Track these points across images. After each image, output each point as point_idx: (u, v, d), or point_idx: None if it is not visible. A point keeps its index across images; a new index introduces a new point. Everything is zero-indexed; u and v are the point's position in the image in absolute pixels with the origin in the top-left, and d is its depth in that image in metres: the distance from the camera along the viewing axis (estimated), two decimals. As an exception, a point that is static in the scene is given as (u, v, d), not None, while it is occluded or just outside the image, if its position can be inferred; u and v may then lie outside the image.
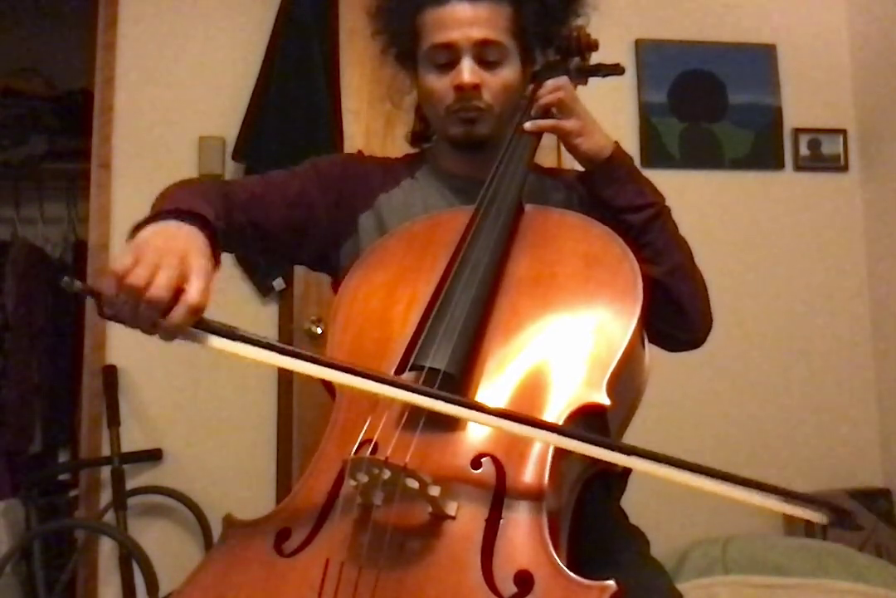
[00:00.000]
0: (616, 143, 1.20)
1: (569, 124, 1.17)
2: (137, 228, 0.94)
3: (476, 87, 1.16)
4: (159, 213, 0.94)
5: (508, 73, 1.19)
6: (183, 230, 0.92)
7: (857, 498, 2.44)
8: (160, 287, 0.82)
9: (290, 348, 0.86)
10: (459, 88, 1.16)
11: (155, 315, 0.83)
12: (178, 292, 0.83)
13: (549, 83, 1.19)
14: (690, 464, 0.82)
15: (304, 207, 1.20)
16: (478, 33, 1.16)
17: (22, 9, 3.18)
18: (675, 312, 1.15)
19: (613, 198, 1.17)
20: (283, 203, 1.18)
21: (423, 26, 1.19)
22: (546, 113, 1.19)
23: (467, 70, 1.16)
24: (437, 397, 0.85)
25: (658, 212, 1.17)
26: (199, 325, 0.85)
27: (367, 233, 1.22)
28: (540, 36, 1.23)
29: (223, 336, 0.86)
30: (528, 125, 1.18)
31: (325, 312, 2.36)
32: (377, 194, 1.25)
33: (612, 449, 0.84)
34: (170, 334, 0.85)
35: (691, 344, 1.21)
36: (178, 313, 0.83)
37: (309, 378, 0.87)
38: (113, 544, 2.29)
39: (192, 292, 0.83)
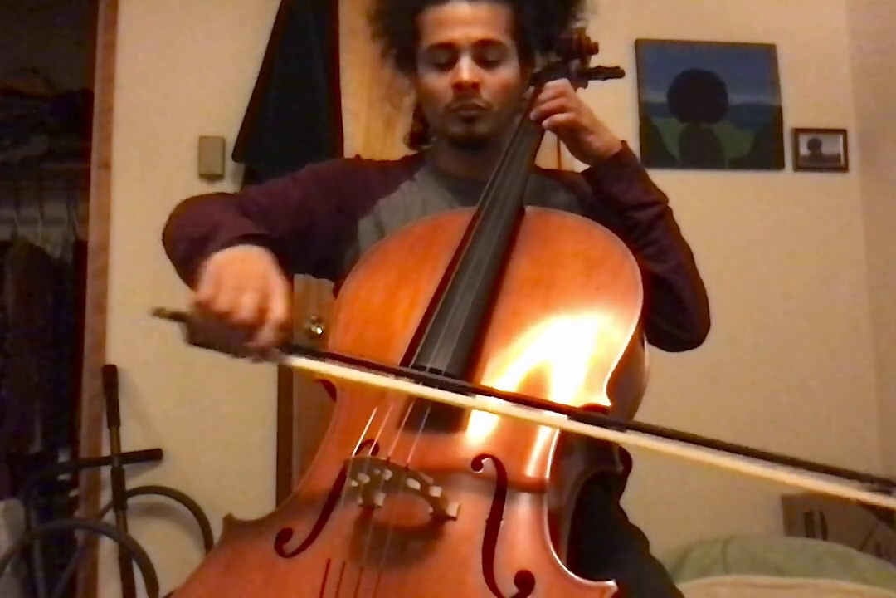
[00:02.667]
0: (623, 141, 1.21)
1: (584, 120, 1.17)
2: (189, 256, 0.97)
3: (475, 86, 1.17)
4: (220, 240, 0.96)
5: (507, 72, 1.20)
6: (253, 252, 0.94)
7: (856, 498, 2.44)
8: (246, 310, 0.83)
9: (381, 363, 0.88)
10: (459, 87, 1.17)
11: (244, 338, 0.84)
12: (262, 313, 0.84)
13: (550, 87, 1.20)
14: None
15: (308, 214, 1.20)
16: (477, 33, 1.16)
17: (22, 9, 3.18)
18: (677, 309, 1.16)
19: (622, 194, 1.18)
20: (288, 211, 1.19)
21: (423, 26, 1.19)
22: (555, 127, 1.19)
23: (466, 69, 1.16)
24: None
25: (663, 210, 1.19)
26: (287, 344, 0.87)
27: (366, 237, 1.22)
28: (539, 37, 1.23)
29: (311, 356, 0.88)
30: (546, 123, 1.18)
31: (325, 312, 2.36)
32: (377, 199, 1.25)
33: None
34: (260, 355, 0.86)
35: (690, 343, 1.21)
36: (266, 333, 0.84)
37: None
38: (113, 544, 2.29)
39: (277, 311, 0.85)
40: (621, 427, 0.84)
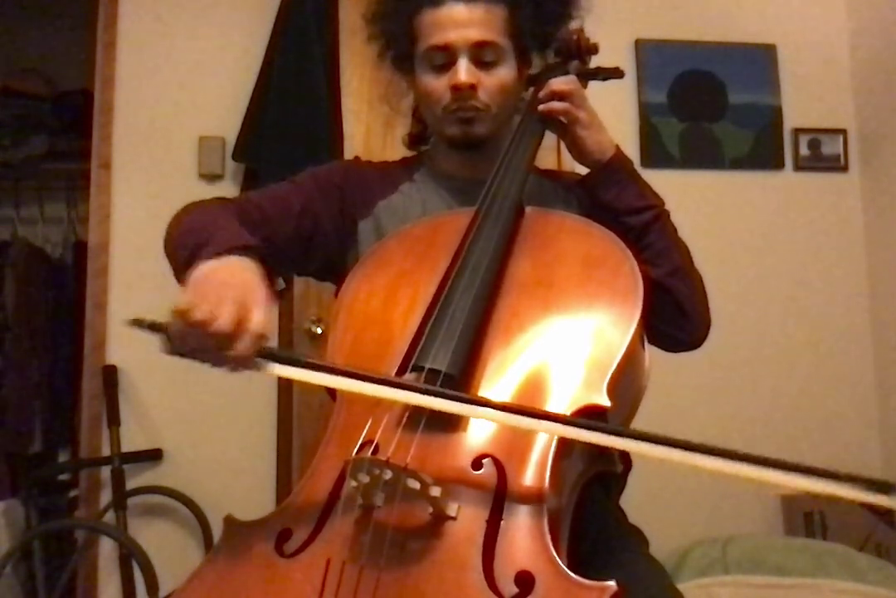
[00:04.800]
0: (617, 146, 1.21)
1: (580, 113, 1.18)
2: (185, 264, 0.96)
3: (472, 87, 1.17)
4: (210, 249, 0.96)
5: (505, 73, 1.20)
6: (238, 263, 0.94)
7: (856, 498, 2.44)
8: (225, 321, 0.83)
9: (359, 371, 0.87)
10: (456, 88, 1.17)
11: (222, 348, 0.84)
12: (240, 324, 0.84)
13: (562, 77, 1.20)
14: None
15: (310, 218, 1.20)
16: (474, 34, 1.16)
17: (22, 9, 3.18)
18: (675, 313, 1.16)
19: (614, 200, 1.18)
20: (290, 217, 1.19)
21: (420, 28, 1.19)
22: (551, 114, 1.20)
23: (463, 70, 1.16)
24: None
25: (658, 214, 1.18)
26: (265, 354, 0.86)
27: (366, 240, 1.22)
28: (536, 37, 1.24)
29: (290, 364, 0.87)
30: (542, 107, 1.19)
31: (325, 312, 2.37)
32: (376, 201, 1.25)
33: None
34: (238, 365, 0.86)
35: (690, 345, 1.22)
36: (243, 344, 0.84)
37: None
38: (113, 544, 2.30)
39: (255, 323, 0.85)
40: (618, 434, 0.83)
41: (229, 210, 1.13)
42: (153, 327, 0.87)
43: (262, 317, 0.86)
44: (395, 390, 0.86)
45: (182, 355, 0.87)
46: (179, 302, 0.84)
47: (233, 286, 0.87)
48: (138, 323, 0.86)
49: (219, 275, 0.90)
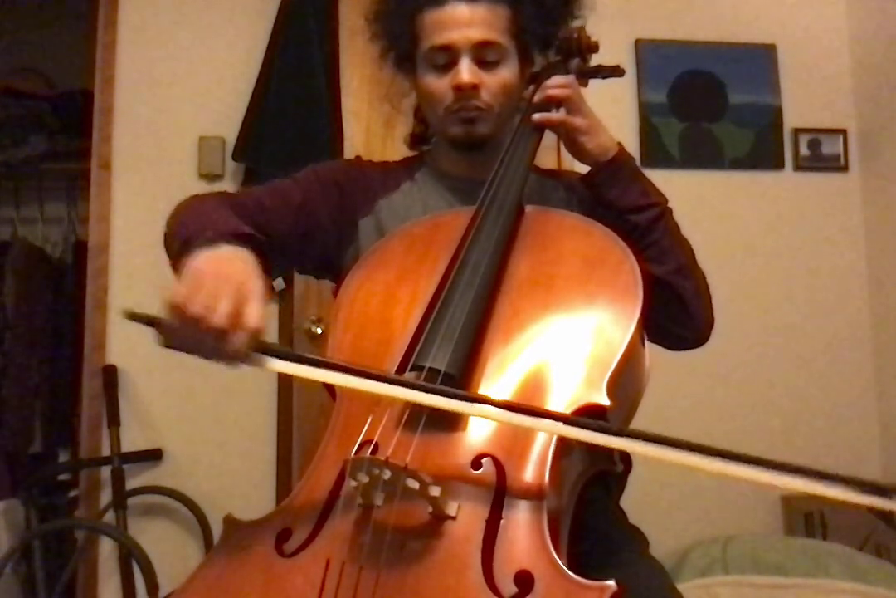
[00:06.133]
0: (619, 143, 1.20)
1: (577, 121, 1.18)
2: (178, 254, 0.96)
3: (475, 87, 1.17)
4: (204, 239, 0.95)
5: (507, 73, 1.20)
6: (234, 254, 0.93)
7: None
8: (221, 315, 0.82)
9: (355, 367, 0.86)
10: (458, 88, 1.17)
11: (218, 342, 0.83)
12: (236, 318, 0.83)
13: (558, 78, 1.20)
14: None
15: (309, 214, 1.21)
16: (476, 34, 1.16)
17: (22, 9, 3.18)
18: (679, 310, 1.16)
19: (618, 199, 1.18)
20: (289, 211, 1.19)
21: (422, 28, 1.19)
22: (548, 107, 1.19)
23: (466, 70, 1.16)
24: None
25: (662, 212, 1.18)
26: (261, 348, 0.85)
27: (366, 238, 1.22)
28: (538, 37, 1.24)
29: (285, 359, 0.86)
30: (536, 117, 1.18)
31: (325, 312, 2.37)
32: (377, 199, 1.25)
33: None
34: (233, 360, 0.85)
35: (694, 342, 1.21)
36: (239, 339, 0.83)
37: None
38: (113, 544, 2.30)
39: (251, 317, 0.84)
40: (616, 434, 0.83)
41: (225, 202, 1.14)
42: (147, 320, 0.86)
43: (257, 310, 0.84)
44: (392, 386, 0.86)
45: (177, 348, 0.86)
46: (173, 295, 0.84)
47: (228, 278, 0.86)
48: (132, 316, 0.86)
49: (213, 265, 0.89)
